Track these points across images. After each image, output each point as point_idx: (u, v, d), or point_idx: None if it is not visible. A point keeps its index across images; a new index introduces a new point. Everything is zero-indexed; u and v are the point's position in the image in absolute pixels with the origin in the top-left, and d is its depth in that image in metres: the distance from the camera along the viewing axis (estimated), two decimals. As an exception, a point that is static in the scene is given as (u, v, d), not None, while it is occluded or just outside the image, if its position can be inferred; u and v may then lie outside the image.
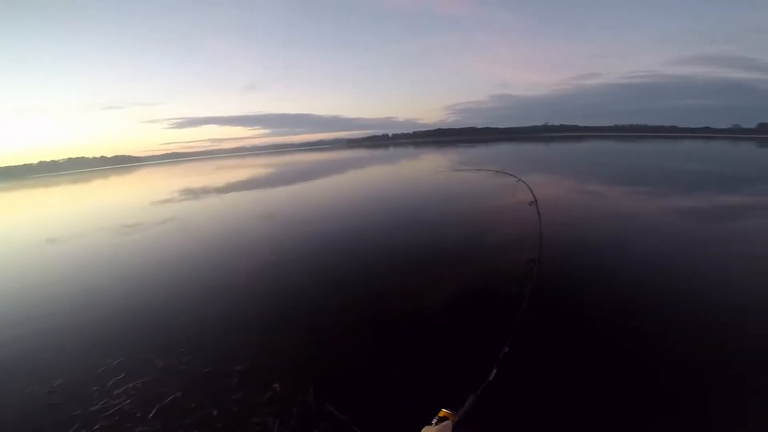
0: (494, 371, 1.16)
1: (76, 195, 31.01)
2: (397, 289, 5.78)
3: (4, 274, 8.11)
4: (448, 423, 0.94)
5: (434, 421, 0.99)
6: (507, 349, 1.28)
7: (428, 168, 27.16)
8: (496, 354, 1.29)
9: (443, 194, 14.98)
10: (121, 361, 4.24)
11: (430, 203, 12.96)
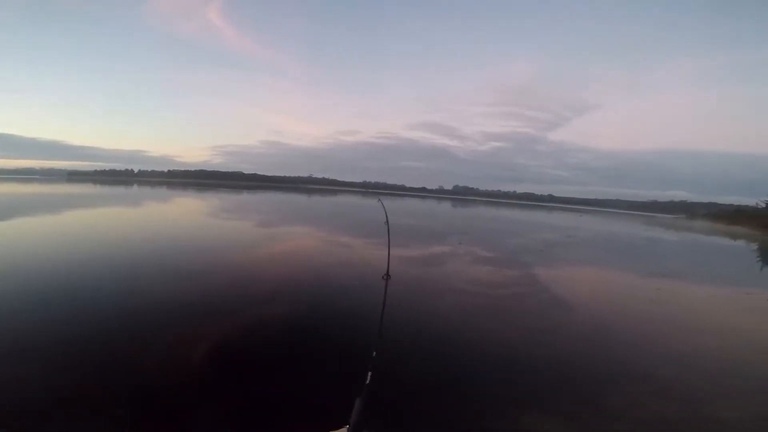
0: (369, 374, 1.25)
1: None
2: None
3: None
4: (344, 429, 0.96)
5: None
6: (374, 353, 1.37)
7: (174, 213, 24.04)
8: (366, 360, 1.38)
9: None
10: None
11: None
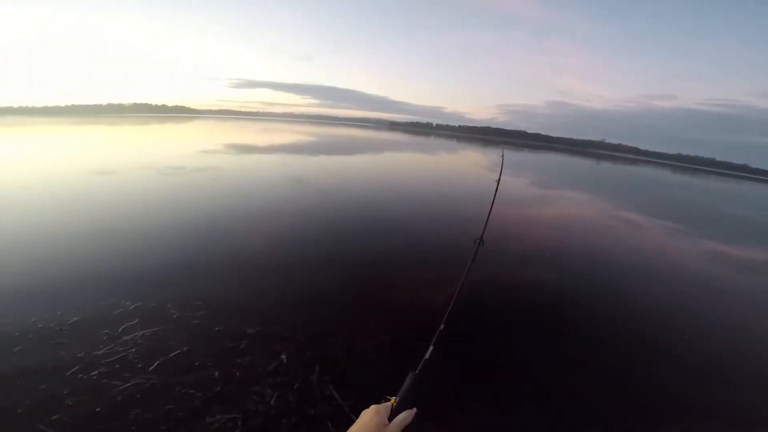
0: (431, 348, 1.17)
1: (133, 136, 32.47)
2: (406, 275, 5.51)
3: (39, 202, 8.22)
4: (388, 404, 0.93)
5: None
6: (443, 326, 1.27)
7: (463, 164, 26.23)
8: (432, 333, 1.27)
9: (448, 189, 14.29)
10: (138, 306, 4.10)
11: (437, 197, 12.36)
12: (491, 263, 6.31)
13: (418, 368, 1.08)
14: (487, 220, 2.47)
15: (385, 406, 0.93)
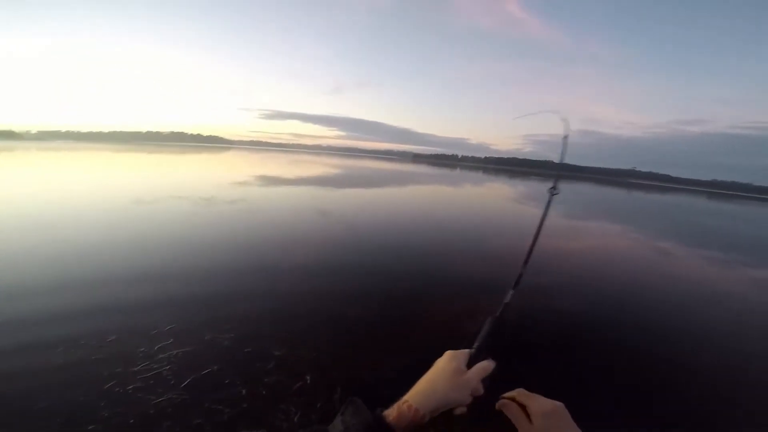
0: (511, 292, 1.04)
1: (170, 164, 34.56)
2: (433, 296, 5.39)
3: (80, 226, 8.73)
4: (466, 351, 0.84)
5: None
6: (523, 270, 1.13)
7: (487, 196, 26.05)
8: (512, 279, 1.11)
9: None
10: (172, 328, 4.27)
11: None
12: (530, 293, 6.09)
13: (499, 312, 0.99)
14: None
15: (463, 353, 0.85)
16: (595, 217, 18.93)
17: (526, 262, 1.15)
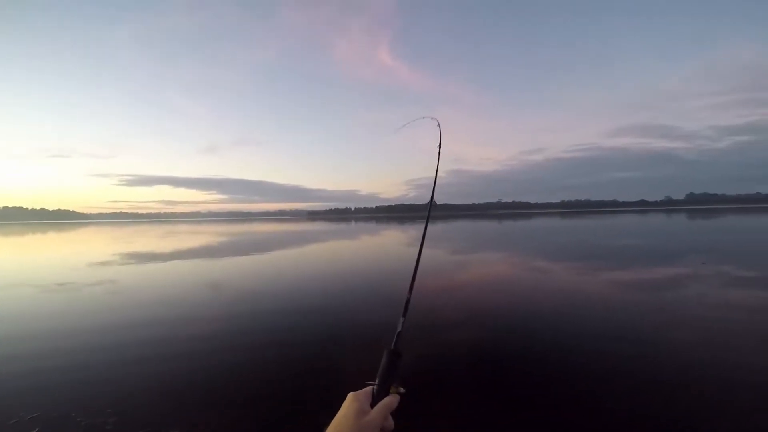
0: (402, 320, 1.08)
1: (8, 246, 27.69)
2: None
3: None
4: (368, 389, 0.86)
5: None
6: (410, 295, 1.20)
7: (390, 243, 27.38)
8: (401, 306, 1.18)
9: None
10: (36, 416, 3.76)
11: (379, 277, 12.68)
12: (421, 332, 6.46)
13: (393, 343, 0.99)
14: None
15: (365, 392, 0.84)
16: (475, 249, 21.31)
17: (410, 288, 1.22)
